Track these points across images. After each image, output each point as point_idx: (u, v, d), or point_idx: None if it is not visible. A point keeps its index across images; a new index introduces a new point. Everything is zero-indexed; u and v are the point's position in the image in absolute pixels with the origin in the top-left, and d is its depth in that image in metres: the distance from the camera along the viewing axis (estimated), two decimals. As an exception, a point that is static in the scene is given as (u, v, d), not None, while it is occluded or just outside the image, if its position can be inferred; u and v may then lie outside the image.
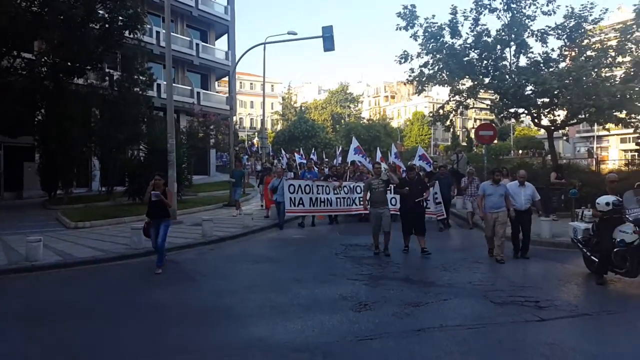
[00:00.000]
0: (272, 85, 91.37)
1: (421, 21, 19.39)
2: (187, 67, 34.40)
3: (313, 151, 32.59)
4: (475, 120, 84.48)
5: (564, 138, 23.57)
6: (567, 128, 21.72)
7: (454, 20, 19.30)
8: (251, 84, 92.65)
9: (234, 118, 36.36)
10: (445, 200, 14.40)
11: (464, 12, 19.37)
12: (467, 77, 19.48)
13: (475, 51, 19.36)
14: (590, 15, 18.35)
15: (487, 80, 19.16)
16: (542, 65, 18.90)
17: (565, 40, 19.01)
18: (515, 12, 18.77)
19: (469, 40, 19.39)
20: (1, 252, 10.81)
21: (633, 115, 17.62)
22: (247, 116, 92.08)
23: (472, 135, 37.86)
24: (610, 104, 15.89)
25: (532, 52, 19.11)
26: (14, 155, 23.61)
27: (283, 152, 29.60)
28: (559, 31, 18.92)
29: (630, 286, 7.81)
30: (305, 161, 24.74)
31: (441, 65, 19.41)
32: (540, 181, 14.42)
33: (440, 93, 68.49)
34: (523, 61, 19.24)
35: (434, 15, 19.45)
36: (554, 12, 18.80)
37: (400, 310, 6.53)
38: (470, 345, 5.36)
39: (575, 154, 49.26)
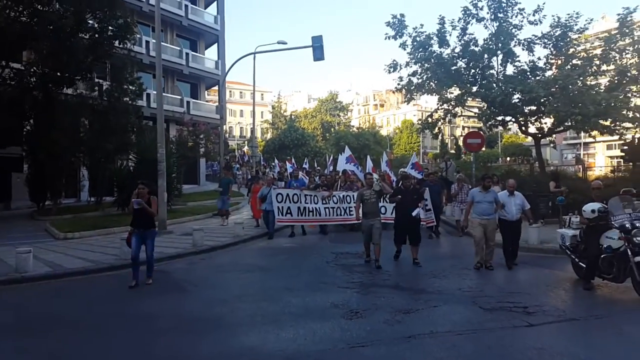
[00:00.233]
0: (262, 94, 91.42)
1: (410, 31, 19.69)
2: (177, 77, 34.40)
3: (306, 160, 32.56)
4: (463, 128, 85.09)
5: (551, 145, 23.84)
6: (554, 135, 22.01)
7: (442, 30, 19.59)
8: (241, 92, 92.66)
9: (224, 127, 36.35)
10: (435, 208, 14.37)
11: (452, 22, 19.68)
12: (455, 85, 19.71)
13: (463, 60, 19.64)
14: (576, 24, 18.73)
15: (474, 88, 19.42)
16: (528, 73, 19.20)
17: (552, 49, 19.35)
18: (502, 21, 19.08)
19: (457, 50, 19.68)
20: (-10, 263, 10.71)
21: (618, 123, 17.90)
22: (237, 125, 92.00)
23: (461, 143, 38.14)
24: (596, 112, 16.15)
25: (519, 61, 19.47)
26: (2, 165, 23.40)
27: (276, 160, 29.60)
28: (545, 40, 19.26)
29: (616, 291, 7.91)
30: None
31: (429, 74, 19.65)
32: (527, 188, 14.54)
33: (429, 101, 68.79)
34: (510, 70, 19.58)
35: (422, 25, 19.75)
36: (540, 22, 19.17)
37: (391, 318, 6.57)
38: (460, 351, 5.43)
39: (562, 160, 49.80)
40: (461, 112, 22.11)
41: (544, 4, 18.91)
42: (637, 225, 7.42)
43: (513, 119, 20.17)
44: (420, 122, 23.36)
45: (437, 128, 21.77)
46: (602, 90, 17.39)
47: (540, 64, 19.58)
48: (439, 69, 19.09)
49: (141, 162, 19.69)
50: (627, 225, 7.45)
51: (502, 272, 9.68)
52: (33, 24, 18.57)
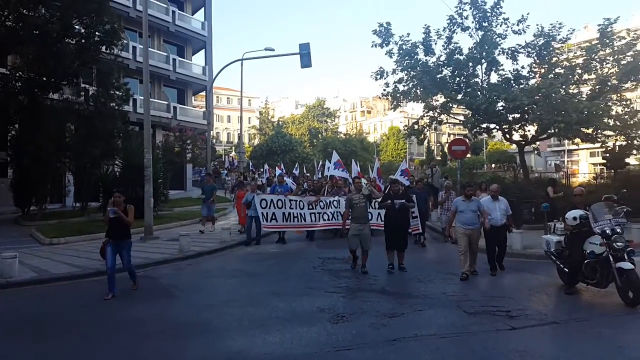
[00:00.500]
0: (249, 100, 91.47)
1: (396, 39, 19.86)
2: (164, 82, 34.33)
3: (296, 166, 32.51)
4: (449, 135, 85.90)
5: (535, 152, 24.19)
6: (537, 143, 22.34)
7: (428, 39, 19.81)
8: (228, 98, 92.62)
9: (211, 132, 36.32)
10: (421, 216, 14.15)
11: (437, 31, 19.92)
12: (441, 93, 19.92)
13: (448, 68, 19.87)
14: (559, 34, 19.08)
15: (459, 96, 19.63)
16: (512, 82, 19.49)
17: (535, 58, 19.68)
18: (486, 30, 19.32)
19: (442, 58, 19.91)
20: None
21: (599, 131, 18.24)
22: (224, 130, 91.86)
23: (446, 149, 38.52)
24: (578, 120, 16.42)
25: (503, 70, 19.75)
26: (-14, 170, 23.15)
27: (266, 166, 29.59)
28: (529, 49, 19.59)
29: (596, 295, 8.07)
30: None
31: (415, 82, 19.84)
32: (511, 194, 14.73)
33: (415, 108, 69.42)
34: (494, 78, 19.85)
35: (408, 34, 20.00)
36: (524, 31, 19.46)
37: (377, 321, 6.67)
38: (444, 353, 5.54)
39: (546, 167, 50.42)
40: (447, 119, 22.33)
41: (528, 14, 19.26)
42: (618, 230, 7.53)
43: (497, 127, 20.42)
44: (406, 128, 23.50)
45: (422, 135, 21.98)
46: (584, 99, 17.71)
47: (524, 72, 19.90)
48: (425, 77, 19.30)
49: (127, 168, 19.65)
50: (607, 231, 7.55)
51: (486, 277, 9.81)
52: (18, 29, 18.46)
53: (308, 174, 28.72)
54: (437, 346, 5.75)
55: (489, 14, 19.30)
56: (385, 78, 20.67)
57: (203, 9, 37.78)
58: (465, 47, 19.92)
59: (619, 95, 18.49)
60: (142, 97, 20.32)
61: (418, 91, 19.93)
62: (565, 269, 8.52)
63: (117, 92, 21.15)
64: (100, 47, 20.18)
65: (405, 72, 20.06)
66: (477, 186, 13.99)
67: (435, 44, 19.94)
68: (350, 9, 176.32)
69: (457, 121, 22.28)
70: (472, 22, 19.59)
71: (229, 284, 9.75)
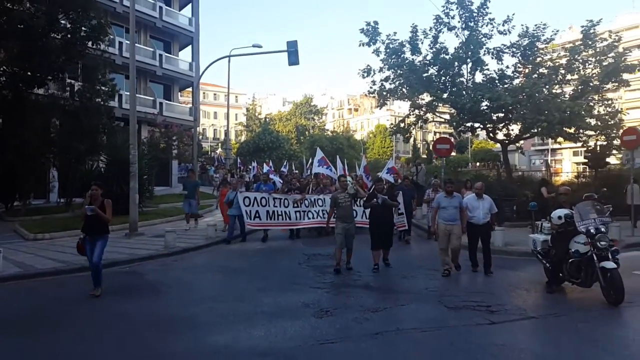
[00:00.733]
0: (236, 97, 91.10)
1: (383, 38, 20.00)
2: (150, 78, 34.12)
3: (285, 163, 32.43)
4: (435, 133, 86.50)
5: (519, 151, 24.55)
6: (521, 142, 22.68)
7: (415, 38, 19.99)
8: (215, 94, 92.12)
9: (198, 129, 36.19)
10: (407, 212, 14.19)
11: (424, 31, 20.09)
12: (426, 92, 20.12)
13: (434, 67, 20.08)
14: (543, 35, 19.41)
15: (445, 95, 19.86)
16: (497, 81, 19.76)
17: (520, 58, 19.98)
18: (472, 30, 19.55)
19: (429, 57, 20.11)
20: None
21: (581, 131, 18.58)
22: (211, 127, 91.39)
23: (431, 148, 38.81)
24: (561, 119, 16.72)
25: (487, 69, 20.02)
26: (-31, 166, 22.82)
27: (255, 163, 29.47)
28: (514, 49, 19.88)
29: (574, 291, 8.26)
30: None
31: (402, 80, 20.01)
32: (495, 192, 14.94)
33: (402, 107, 69.85)
34: (479, 77, 20.12)
35: (395, 33, 20.12)
36: (510, 32, 19.74)
37: (360, 316, 6.80)
38: (424, 346, 5.72)
39: (530, 166, 51.11)
40: (432, 118, 22.56)
41: (513, 14, 19.54)
42: (602, 230, 7.55)
43: (482, 126, 20.67)
44: (392, 126, 23.66)
45: (408, 133, 22.16)
46: (566, 99, 18.04)
47: (509, 72, 20.20)
48: (411, 76, 19.49)
49: (112, 164, 19.56)
50: (591, 230, 7.56)
51: (468, 273, 9.97)
52: (3, 23, 18.24)
53: (297, 172, 28.71)
54: (418, 339, 5.91)
55: (475, 14, 19.54)
56: (372, 76, 20.84)
57: (190, 4, 37.54)
58: (451, 46, 20.15)
59: (600, 95, 18.86)
60: (128, 93, 20.21)
61: (404, 90, 20.12)
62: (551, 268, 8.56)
63: (103, 88, 20.96)
64: (87, 43, 19.98)
65: (392, 70, 20.22)
66: (462, 184, 14.13)
67: (422, 43, 20.17)
68: (338, 8, 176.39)
69: (443, 120, 22.50)
70: (459, 22, 19.84)
71: (214, 279, 9.84)
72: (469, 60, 19.63)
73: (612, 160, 22.29)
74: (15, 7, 18.53)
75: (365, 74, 20.86)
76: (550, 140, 40.71)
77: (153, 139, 30.07)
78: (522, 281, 9.24)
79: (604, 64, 18.17)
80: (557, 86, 18.87)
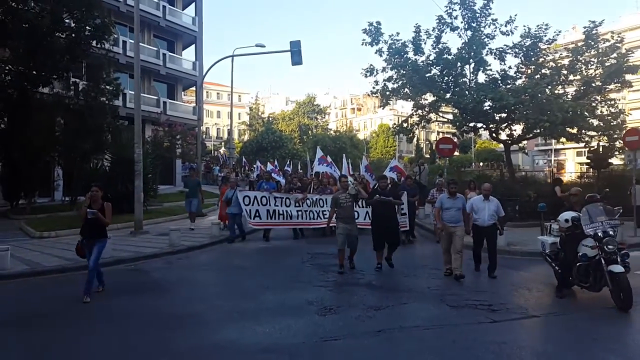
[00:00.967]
0: (239, 96, 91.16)
1: (386, 38, 20.00)
2: (154, 77, 34.27)
3: (288, 162, 32.46)
4: (438, 133, 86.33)
5: (523, 151, 24.57)
6: (524, 142, 22.68)
7: (418, 38, 19.98)
8: (218, 93, 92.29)
9: (201, 128, 36.32)
10: (410, 212, 14.13)
11: (427, 31, 20.10)
12: (429, 92, 20.12)
13: (437, 67, 20.06)
14: (545, 35, 19.40)
15: (448, 95, 19.84)
16: (499, 82, 19.75)
17: (522, 59, 19.98)
18: (475, 31, 19.54)
19: (431, 57, 20.09)
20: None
21: (583, 131, 18.60)
22: (214, 126, 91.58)
23: (434, 148, 38.81)
24: (563, 120, 16.73)
25: (490, 70, 20.00)
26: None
27: (258, 162, 29.53)
28: (516, 50, 19.87)
29: (577, 293, 8.21)
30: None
31: (405, 80, 20.00)
32: (498, 192, 14.95)
33: (405, 106, 69.73)
34: (482, 78, 20.09)
35: (398, 33, 20.05)
36: (512, 32, 19.72)
37: (363, 314, 6.89)
38: (426, 344, 5.80)
39: (534, 166, 51.08)
40: (435, 118, 22.58)
41: (516, 15, 19.49)
42: (610, 233, 7.37)
43: (484, 126, 20.70)
44: (395, 125, 23.70)
45: (411, 133, 22.16)
46: (569, 99, 18.06)
47: (511, 72, 20.18)
48: (414, 76, 19.46)
49: (117, 162, 19.70)
50: (599, 234, 7.39)
51: (470, 272, 9.94)
52: (8, 22, 18.39)
53: (301, 171, 28.74)
54: (421, 337, 6.00)
55: (478, 15, 19.54)
56: (375, 75, 20.82)
57: (194, 4, 37.70)
58: (453, 47, 20.15)
59: (603, 95, 18.87)
60: (132, 92, 20.29)
61: (407, 90, 20.10)
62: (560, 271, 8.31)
63: (108, 87, 21.11)
64: (91, 42, 20.13)
65: (395, 70, 20.24)
66: (465, 185, 14.12)
67: (425, 43, 20.15)
68: (341, 8, 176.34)
69: (446, 120, 22.54)
70: (462, 22, 19.82)
71: (219, 277, 9.94)
72: (471, 60, 19.63)
73: (615, 161, 22.25)
74: (20, 7, 18.67)
75: (368, 74, 20.86)
76: (553, 141, 40.69)
77: (157, 137, 30.21)
78: (524, 281, 9.32)
79: (606, 64, 18.19)
80: (560, 87, 18.87)
